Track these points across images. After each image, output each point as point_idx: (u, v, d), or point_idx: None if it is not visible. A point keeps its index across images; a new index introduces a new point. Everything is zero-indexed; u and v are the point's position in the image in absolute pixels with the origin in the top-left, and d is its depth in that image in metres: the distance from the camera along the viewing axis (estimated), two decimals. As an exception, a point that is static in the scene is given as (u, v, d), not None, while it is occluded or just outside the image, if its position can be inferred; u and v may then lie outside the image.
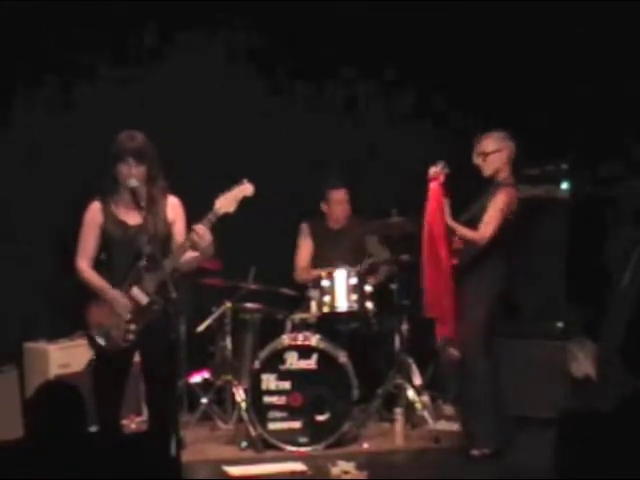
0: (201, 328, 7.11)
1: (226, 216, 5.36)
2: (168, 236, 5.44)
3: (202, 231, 5.30)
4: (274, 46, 7.65)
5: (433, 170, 6.33)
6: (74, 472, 3.57)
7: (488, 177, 6.41)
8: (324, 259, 7.31)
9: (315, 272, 7.26)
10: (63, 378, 6.43)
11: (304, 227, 7.50)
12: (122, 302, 5.35)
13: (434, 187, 6.31)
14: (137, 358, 5.59)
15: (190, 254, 5.40)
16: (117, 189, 5.43)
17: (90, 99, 7.18)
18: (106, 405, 5.42)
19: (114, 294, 5.37)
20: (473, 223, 6.32)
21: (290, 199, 7.44)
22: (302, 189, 7.45)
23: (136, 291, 5.37)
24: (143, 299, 5.37)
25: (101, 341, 5.38)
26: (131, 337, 5.38)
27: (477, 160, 6.40)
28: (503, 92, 7.50)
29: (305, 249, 7.47)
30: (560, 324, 7.34)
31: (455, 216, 6.32)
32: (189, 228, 5.40)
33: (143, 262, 5.35)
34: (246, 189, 5.40)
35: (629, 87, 7.24)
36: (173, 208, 5.49)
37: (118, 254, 5.41)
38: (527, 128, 6.91)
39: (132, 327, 5.37)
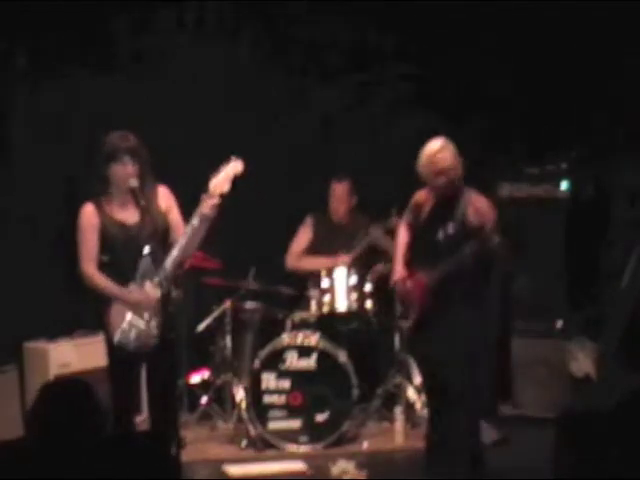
0: (201, 328, 7.12)
1: (223, 212, 5.28)
2: (166, 229, 5.41)
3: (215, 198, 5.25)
4: (277, 38, 7.65)
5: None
6: (74, 472, 3.57)
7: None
8: (323, 251, 7.31)
9: (306, 261, 7.32)
10: (62, 377, 6.42)
11: (308, 219, 7.49)
12: (144, 299, 5.31)
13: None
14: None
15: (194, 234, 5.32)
16: (108, 189, 5.39)
17: (83, 94, 7.17)
18: (124, 404, 5.37)
19: (134, 294, 5.32)
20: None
21: (290, 199, 7.43)
22: (303, 189, 7.44)
23: (149, 287, 5.33)
24: (157, 293, 5.33)
25: (129, 344, 5.33)
26: (156, 332, 5.33)
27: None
28: (503, 92, 7.51)
29: (303, 238, 7.46)
30: (560, 324, 7.34)
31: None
32: (184, 216, 5.38)
33: (149, 258, 5.33)
34: (236, 166, 5.29)
35: (629, 84, 7.25)
36: (165, 197, 5.45)
37: (121, 254, 5.37)
38: (527, 128, 6.90)
39: (154, 323, 5.33)
